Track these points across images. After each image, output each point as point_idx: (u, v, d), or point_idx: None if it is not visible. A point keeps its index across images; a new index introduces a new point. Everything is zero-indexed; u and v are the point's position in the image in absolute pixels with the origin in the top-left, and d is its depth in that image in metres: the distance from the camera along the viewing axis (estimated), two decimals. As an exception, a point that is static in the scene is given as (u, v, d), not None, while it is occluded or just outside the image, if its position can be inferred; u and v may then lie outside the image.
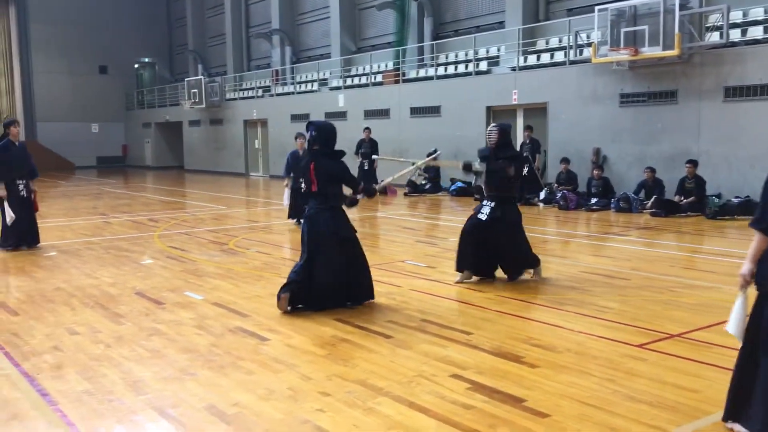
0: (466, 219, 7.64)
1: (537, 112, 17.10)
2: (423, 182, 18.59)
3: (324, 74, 25.89)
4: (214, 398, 4.27)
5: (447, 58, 21.10)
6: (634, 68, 14.76)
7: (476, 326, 5.80)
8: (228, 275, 8.16)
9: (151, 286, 7.58)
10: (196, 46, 36.48)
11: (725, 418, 3.70)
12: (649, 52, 13.82)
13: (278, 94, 27.70)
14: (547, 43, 18.36)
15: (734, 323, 3.68)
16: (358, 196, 6.63)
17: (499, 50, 19.31)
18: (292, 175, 12.51)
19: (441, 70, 20.40)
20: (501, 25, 20.02)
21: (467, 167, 7.65)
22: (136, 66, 40.03)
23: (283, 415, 4.00)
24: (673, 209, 12.95)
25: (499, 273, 7.59)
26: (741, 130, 13.18)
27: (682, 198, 13.19)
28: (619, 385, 4.37)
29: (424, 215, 14.76)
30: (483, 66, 19.22)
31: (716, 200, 12.64)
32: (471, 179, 6.49)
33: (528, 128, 16.35)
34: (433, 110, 19.62)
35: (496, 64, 19.10)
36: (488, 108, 18.16)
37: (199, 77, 31.49)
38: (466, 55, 20.34)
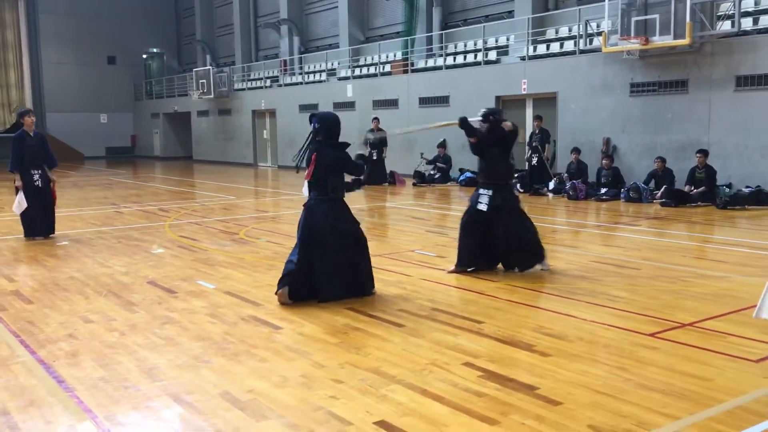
0: (464, 211, 7.56)
1: (546, 101, 17.04)
2: (432, 172, 18.58)
3: (332, 64, 25.86)
4: (229, 385, 4.31)
5: (456, 47, 21.04)
6: (644, 57, 14.69)
7: (487, 315, 5.82)
8: (239, 264, 8.20)
9: (163, 275, 7.63)
10: (204, 36, 36.48)
11: None
12: (659, 41, 13.75)
13: (286, 85, 27.71)
14: (556, 32, 18.27)
15: (765, 309, 3.66)
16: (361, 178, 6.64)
17: (508, 40, 19.24)
18: None
19: (450, 60, 20.35)
20: (510, 14, 19.95)
21: (464, 122, 7.35)
22: (144, 56, 40.09)
23: (297, 401, 4.04)
24: (684, 199, 12.91)
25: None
26: (752, 120, 13.11)
27: (693, 188, 13.15)
28: (631, 373, 4.39)
29: (434, 205, 14.77)
30: (492, 56, 19.16)
31: (727, 190, 12.59)
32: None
33: (537, 118, 16.31)
34: (442, 100, 19.59)
35: (506, 53, 19.04)
36: (497, 98, 18.11)
37: (207, 67, 31.52)
38: (475, 44, 20.27)
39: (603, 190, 14.41)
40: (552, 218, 12.23)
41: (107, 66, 38.04)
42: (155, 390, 4.27)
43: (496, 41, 19.70)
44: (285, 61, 28.92)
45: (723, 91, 13.52)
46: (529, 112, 17.57)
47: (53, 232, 10.49)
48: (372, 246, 6.79)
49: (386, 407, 3.93)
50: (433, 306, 6.13)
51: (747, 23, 13.67)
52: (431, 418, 3.79)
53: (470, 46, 20.61)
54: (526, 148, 16.61)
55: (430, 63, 21.36)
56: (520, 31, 18.52)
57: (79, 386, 4.34)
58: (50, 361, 4.84)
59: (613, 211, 12.80)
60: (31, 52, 36.16)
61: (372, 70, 23.34)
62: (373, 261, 6.68)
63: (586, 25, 15.65)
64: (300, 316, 5.86)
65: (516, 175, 16.59)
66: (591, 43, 15.65)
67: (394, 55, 23.13)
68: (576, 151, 15.31)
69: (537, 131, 16.16)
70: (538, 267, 7.45)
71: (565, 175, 15.40)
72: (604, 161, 14.79)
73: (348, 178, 6.56)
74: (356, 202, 6.62)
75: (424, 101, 20.21)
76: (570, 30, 17.61)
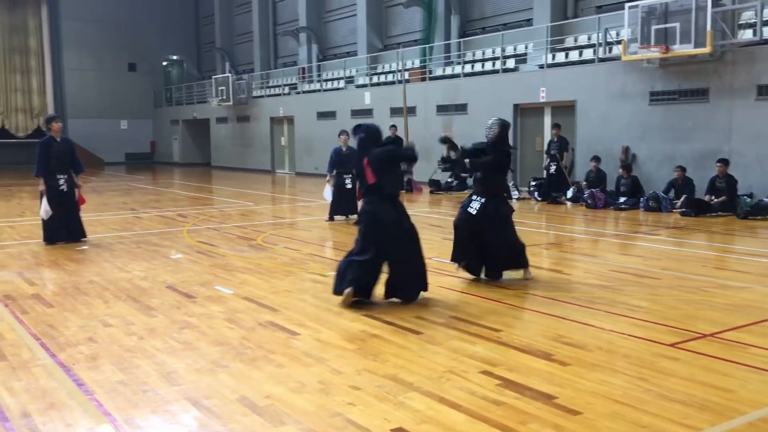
0: (457, 213, 7.65)
1: (565, 110, 16.97)
2: (449, 180, 18.54)
3: (350, 72, 25.94)
4: (247, 390, 4.32)
5: (474, 55, 21.03)
6: (664, 66, 14.59)
7: (505, 323, 5.79)
8: (257, 270, 8.23)
9: (181, 280, 7.67)
10: (223, 43, 36.78)
11: None
12: (680, 49, 13.66)
13: (305, 92, 27.83)
14: (575, 40, 18.21)
15: None
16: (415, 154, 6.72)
17: (526, 48, 19.20)
18: (335, 171, 12.56)
19: (468, 68, 20.34)
20: (529, 22, 19.91)
21: (446, 140, 7.48)
22: (164, 63, 40.50)
23: (314, 407, 4.04)
24: (704, 209, 12.78)
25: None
26: (774, 129, 12.97)
27: (713, 197, 13.02)
28: (651, 383, 4.34)
29: (450, 212, 14.70)
30: (510, 64, 19.12)
31: (748, 200, 12.46)
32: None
33: (556, 126, 16.25)
34: (460, 108, 19.57)
35: (524, 61, 18.99)
36: (515, 106, 18.07)
37: (226, 75, 31.76)
38: (494, 52, 20.25)
39: (622, 199, 14.31)
40: (570, 227, 12.16)
41: (128, 73, 38.45)
42: (174, 394, 4.28)
43: (515, 49, 19.67)
44: (303, 68, 29.06)
45: (744, 100, 13.39)
46: (548, 121, 17.51)
47: (85, 236, 10.56)
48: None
49: (404, 414, 3.92)
50: (451, 313, 6.11)
51: (769, 32, 13.55)
52: (449, 425, 3.77)
53: (488, 54, 20.59)
54: (545, 156, 16.55)
55: (448, 71, 21.36)
56: (538, 39, 18.48)
57: (99, 389, 4.37)
58: (70, 364, 4.88)
59: (632, 220, 12.71)
60: (53, 59, 36.65)
61: (390, 77, 23.39)
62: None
63: (605, 33, 15.59)
64: (317, 323, 5.87)
65: (534, 183, 16.57)
66: (610, 51, 15.58)
67: (412, 63, 23.17)
68: (596, 159, 15.22)
69: (555, 139, 16.10)
70: (521, 273, 7.47)
71: (584, 183, 15.32)
72: (620, 170, 14.69)
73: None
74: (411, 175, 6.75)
75: (442, 109, 20.21)
76: (589, 38, 17.54)
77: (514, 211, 7.65)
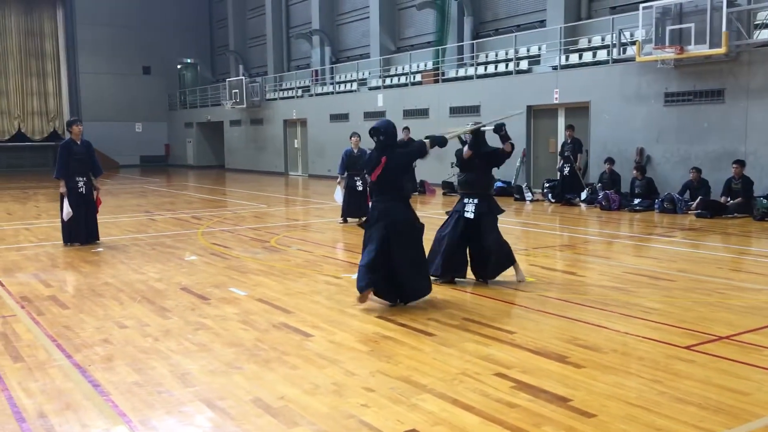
0: (442, 225, 7.54)
1: (579, 111, 16.91)
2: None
3: (363, 74, 25.99)
4: (261, 391, 4.34)
5: (487, 57, 20.99)
6: (679, 67, 14.50)
7: (519, 325, 5.77)
8: (271, 272, 8.26)
9: (195, 282, 7.71)
10: (237, 46, 36.95)
11: None
12: (695, 50, 13.57)
13: (318, 94, 27.91)
14: (589, 41, 18.13)
15: None
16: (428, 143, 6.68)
17: (540, 49, 19.14)
18: (346, 173, 12.57)
19: (481, 70, 20.31)
20: (542, 23, 19.84)
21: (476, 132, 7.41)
22: (178, 67, 40.74)
23: (328, 409, 4.05)
24: (720, 210, 12.69)
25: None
26: (791, 130, 12.86)
27: (729, 199, 12.92)
28: (667, 386, 4.31)
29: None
30: (524, 65, 19.08)
31: (764, 201, 12.35)
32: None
33: (570, 128, 16.19)
34: (473, 110, 19.54)
35: (537, 63, 18.94)
36: (529, 107, 18.02)
37: (240, 78, 31.91)
38: (507, 54, 20.21)
39: (636, 201, 14.23)
40: (584, 228, 12.10)
41: (142, 76, 38.72)
42: (188, 395, 4.31)
43: (528, 50, 19.61)
44: (316, 71, 29.14)
45: (760, 101, 13.28)
46: (561, 122, 17.45)
47: (98, 239, 10.66)
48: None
49: (417, 416, 3.92)
50: (464, 315, 6.10)
51: (785, 32, 13.44)
52: (462, 428, 3.76)
53: (501, 55, 20.55)
54: (558, 157, 16.49)
55: (461, 72, 21.35)
56: (552, 41, 18.42)
57: (114, 390, 4.40)
58: (86, 365, 4.92)
59: (646, 222, 12.63)
60: (68, 62, 36.98)
61: (403, 79, 23.40)
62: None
63: (619, 34, 15.52)
64: (331, 324, 5.88)
65: (548, 184, 16.51)
66: (624, 52, 15.50)
67: (425, 65, 23.17)
68: (610, 161, 15.15)
69: (569, 141, 16.04)
70: (513, 277, 7.40)
71: (598, 185, 15.25)
72: (635, 171, 14.61)
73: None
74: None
75: (455, 111, 20.19)
76: (603, 39, 17.46)
77: (504, 211, 7.61)
